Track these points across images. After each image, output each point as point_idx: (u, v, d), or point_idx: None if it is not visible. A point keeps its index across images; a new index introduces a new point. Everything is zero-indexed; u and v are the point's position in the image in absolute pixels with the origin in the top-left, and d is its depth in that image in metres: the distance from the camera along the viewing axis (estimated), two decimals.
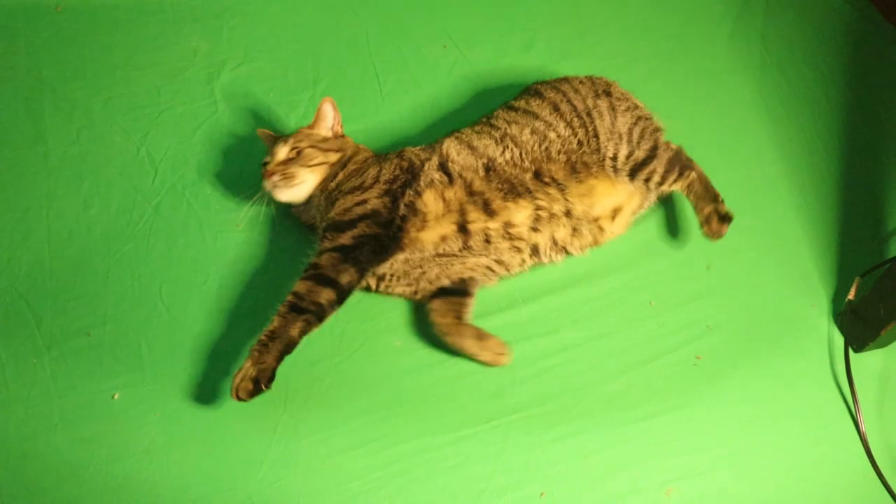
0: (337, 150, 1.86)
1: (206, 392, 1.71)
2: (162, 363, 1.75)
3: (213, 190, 1.96)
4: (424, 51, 2.24)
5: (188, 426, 1.68)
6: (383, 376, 1.75)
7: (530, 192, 1.77)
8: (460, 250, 1.76)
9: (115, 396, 1.70)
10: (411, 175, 1.78)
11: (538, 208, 1.78)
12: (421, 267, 1.77)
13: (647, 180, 1.84)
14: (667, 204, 2.00)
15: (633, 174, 1.83)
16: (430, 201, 1.75)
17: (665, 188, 1.87)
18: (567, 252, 1.87)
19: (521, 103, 1.90)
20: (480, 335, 1.73)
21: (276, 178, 1.78)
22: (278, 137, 1.88)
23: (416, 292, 1.81)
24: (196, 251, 1.87)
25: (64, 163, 1.97)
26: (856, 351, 1.82)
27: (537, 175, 1.79)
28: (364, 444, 1.67)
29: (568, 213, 1.81)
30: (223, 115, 2.07)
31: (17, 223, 1.88)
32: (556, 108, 1.86)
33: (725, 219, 1.82)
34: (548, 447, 1.70)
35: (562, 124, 1.84)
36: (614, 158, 1.82)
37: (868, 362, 1.82)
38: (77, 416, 1.68)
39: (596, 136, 1.83)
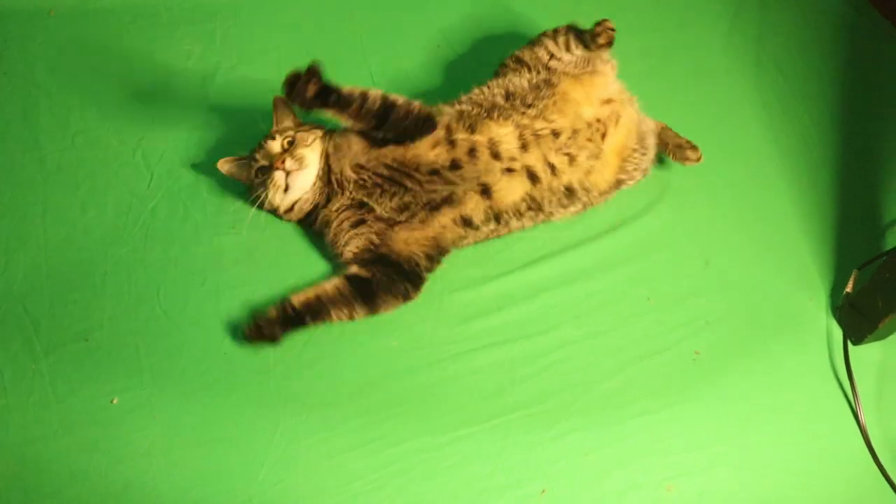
0: (317, 126, 1.91)
1: (205, 394, 1.71)
2: (160, 366, 1.74)
3: (208, 192, 1.95)
4: (419, 51, 2.24)
5: (188, 429, 1.68)
6: (382, 376, 1.75)
7: (505, 110, 1.85)
8: (449, 166, 1.79)
9: (114, 401, 1.70)
10: None
11: (519, 127, 1.83)
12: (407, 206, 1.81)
13: (577, 44, 2.00)
14: (664, 199, 2.01)
15: (567, 49, 1.99)
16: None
17: (592, 44, 2.00)
18: (570, 188, 1.86)
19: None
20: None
21: (289, 162, 1.81)
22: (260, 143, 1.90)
23: (363, 255, 1.82)
24: (193, 254, 1.87)
25: (60, 167, 1.97)
26: (854, 344, 1.82)
27: (507, 97, 1.88)
28: (364, 444, 1.67)
29: (555, 133, 1.83)
30: (218, 117, 2.06)
31: (13, 228, 1.88)
32: (504, 65, 2.04)
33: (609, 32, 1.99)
34: (547, 445, 1.70)
35: (509, 71, 1.99)
36: (551, 55, 1.98)
37: (867, 355, 1.83)
38: (76, 420, 1.68)
39: (520, 61, 2.00)
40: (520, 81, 1.92)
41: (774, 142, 2.14)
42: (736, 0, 2.41)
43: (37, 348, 1.74)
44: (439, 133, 1.82)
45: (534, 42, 2.04)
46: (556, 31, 2.04)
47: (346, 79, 2.14)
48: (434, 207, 1.80)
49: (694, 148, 1.96)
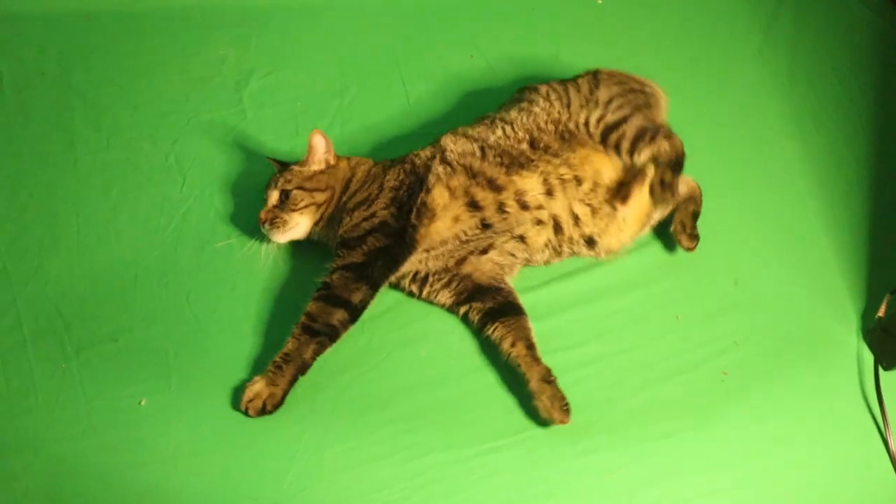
0: (324, 189, 1.85)
1: (232, 400, 1.71)
2: (188, 370, 1.75)
3: (240, 196, 1.96)
4: (451, 60, 2.25)
5: (214, 434, 1.68)
6: (409, 387, 1.75)
7: (532, 161, 1.80)
8: (480, 228, 1.78)
9: (142, 402, 1.71)
10: (416, 178, 1.82)
11: (544, 173, 1.80)
12: (453, 256, 1.79)
13: (616, 146, 1.83)
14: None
15: (604, 139, 1.84)
16: (437, 195, 1.78)
17: (637, 158, 1.82)
18: (591, 239, 1.84)
19: (514, 95, 1.99)
20: (546, 378, 1.70)
21: (266, 225, 1.81)
22: (275, 175, 1.88)
23: (459, 298, 1.81)
24: (224, 258, 1.88)
25: (93, 169, 1.99)
26: (885, 369, 1.80)
27: (532, 144, 1.83)
28: (389, 454, 1.67)
29: (578, 181, 1.81)
30: (251, 122, 2.07)
31: (46, 229, 1.90)
32: (536, 90, 1.93)
33: (665, 186, 1.80)
34: (573, 461, 1.69)
35: (540, 99, 1.89)
36: (586, 124, 1.85)
37: None
38: (104, 421, 1.69)
39: (569, 105, 1.87)
40: (546, 122, 1.85)
41: (806, 158, 2.13)
42: (769, 13, 2.39)
43: (67, 348, 1.76)
44: (456, 206, 1.78)
45: (580, 90, 1.91)
46: (608, 130, 1.85)
47: (378, 86, 2.17)
48: (482, 252, 1.82)
49: (690, 238, 1.88)
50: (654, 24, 2.37)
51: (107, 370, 1.74)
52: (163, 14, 2.23)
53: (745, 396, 1.78)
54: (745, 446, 1.73)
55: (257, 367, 1.75)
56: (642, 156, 1.81)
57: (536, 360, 1.72)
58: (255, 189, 1.95)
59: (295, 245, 1.89)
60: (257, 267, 1.87)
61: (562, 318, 1.85)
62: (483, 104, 2.14)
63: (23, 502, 1.60)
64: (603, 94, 1.89)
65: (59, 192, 1.95)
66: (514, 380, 1.76)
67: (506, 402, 1.74)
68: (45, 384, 1.72)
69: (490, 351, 1.79)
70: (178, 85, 2.13)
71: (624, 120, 1.84)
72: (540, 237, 1.82)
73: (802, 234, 2.01)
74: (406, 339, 1.80)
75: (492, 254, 1.81)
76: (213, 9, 2.27)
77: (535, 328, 1.81)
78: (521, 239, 1.81)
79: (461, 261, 1.81)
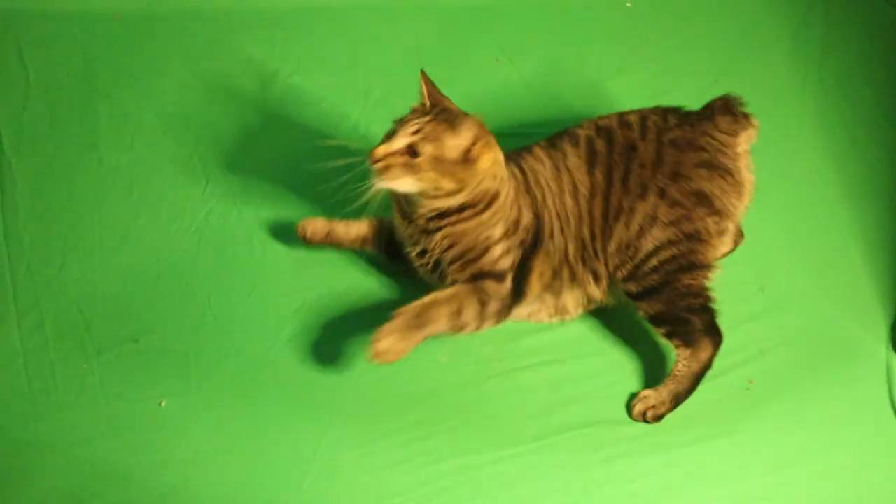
0: (455, 181, 1.55)
1: (251, 402, 1.72)
2: (208, 372, 1.75)
3: (263, 200, 1.96)
4: (477, 63, 2.23)
5: (232, 436, 1.68)
6: (428, 392, 1.74)
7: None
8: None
9: (163, 404, 1.71)
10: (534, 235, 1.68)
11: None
12: None
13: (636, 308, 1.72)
14: None
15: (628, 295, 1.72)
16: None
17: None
18: None
19: (566, 135, 1.76)
20: None
21: (375, 176, 1.51)
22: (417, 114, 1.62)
23: None
24: (244, 261, 1.88)
25: (117, 169, 1.99)
26: None
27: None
28: (408, 459, 1.66)
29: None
30: (275, 124, 2.07)
31: (69, 229, 1.90)
32: (577, 157, 1.71)
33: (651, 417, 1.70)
34: (594, 469, 1.67)
35: (583, 195, 1.69)
36: (612, 273, 1.71)
37: None
38: (124, 422, 1.69)
39: (610, 236, 1.68)
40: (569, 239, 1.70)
41: (835, 166, 2.09)
42: (798, 19, 2.36)
43: (88, 348, 1.76)
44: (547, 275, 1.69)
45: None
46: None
47: (402, 87, 2.14)
48: None
49: None
50: (683, 28, 2.34)
51: (127, 371, 1.74)
52: (188, 16, 2.23)
53: (772, 406, 1.75)
54: (771, 456, 1.70)
55: (276, 371, 1.75)
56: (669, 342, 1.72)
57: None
58: (279, 190, 1.95)
59: (315, 250, 1.89)
60: (278, 270, 1.87)
61: (584, 323, 1.83)
62: (508, 108, 2.13)
63: (43, 503, 1.61)
64: (651, 239, 1.65)
65: (83, 192, 1.95)
66: (535, 386, 1.75)
67: (526, 408, 1.73)
68: (66, 384, 1.72)
69: (511, 356, 1.78)
70: (202, 86, 2.13)
71: (656, 290, 1.66)
72: (578, 308, 1.79)
73: (831, 242, 1.98)
74: (426, 344, 1.77)
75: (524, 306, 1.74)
76: (238, 10, 2.26)
77: (559, 334, 1.81)
78: (563, 310, 1.78)
79: None
